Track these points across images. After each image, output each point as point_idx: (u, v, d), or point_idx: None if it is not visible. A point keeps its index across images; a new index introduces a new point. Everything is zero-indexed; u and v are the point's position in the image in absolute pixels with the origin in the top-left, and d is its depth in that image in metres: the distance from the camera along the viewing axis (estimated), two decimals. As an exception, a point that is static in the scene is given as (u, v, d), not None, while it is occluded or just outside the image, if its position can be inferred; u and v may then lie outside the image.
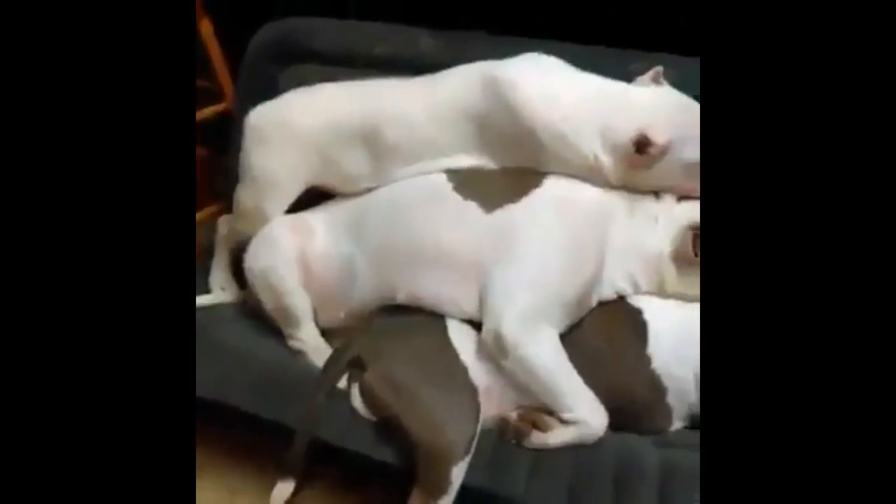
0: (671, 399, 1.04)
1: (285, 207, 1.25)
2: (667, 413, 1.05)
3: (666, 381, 1.03)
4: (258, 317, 1.23)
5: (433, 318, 1.09)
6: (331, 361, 1.10)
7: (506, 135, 1.12)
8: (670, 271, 1.08)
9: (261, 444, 1.13)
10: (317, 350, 1.18)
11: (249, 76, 1.47)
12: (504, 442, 1.01)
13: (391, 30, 1.42)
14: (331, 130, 1.20)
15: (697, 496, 0.92)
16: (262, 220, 1.24)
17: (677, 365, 1.03)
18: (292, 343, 1.20)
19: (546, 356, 1.02)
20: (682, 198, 1.12)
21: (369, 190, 1.21)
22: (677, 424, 1.06)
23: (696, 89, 1.11)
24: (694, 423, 1.07)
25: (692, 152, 1.07)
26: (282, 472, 1.06)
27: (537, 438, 1.00)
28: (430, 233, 1.11)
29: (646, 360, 1.04)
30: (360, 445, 1.03)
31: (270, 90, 1.35)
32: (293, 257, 1.18)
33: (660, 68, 1.13)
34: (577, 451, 0.99)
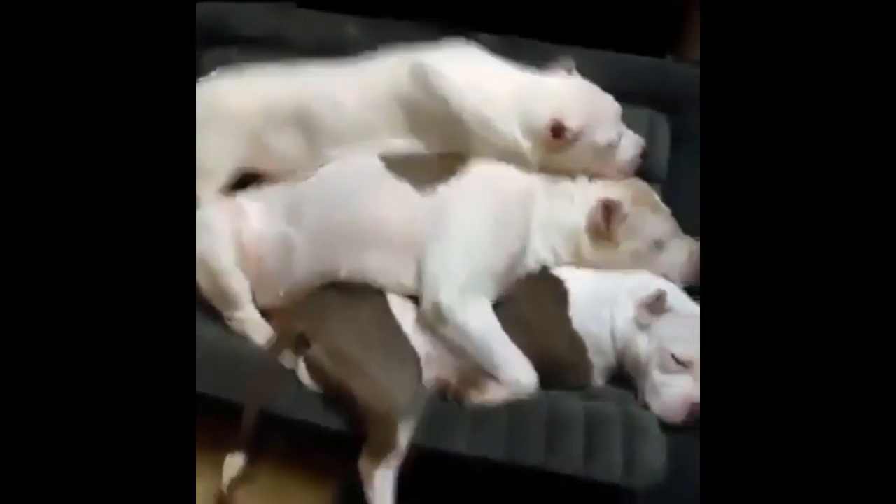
0: (591, 355, 1.15)
1: (217, 191, 1.25)
2: (588, 368, 1.15)
3: (586, 340, 1.14)
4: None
5: (374, 292, 1.14)
6: (275, 338, 1.13)
7: (433, 119, 1.18)
8: (585, 244, 1.19)
9: (209, 422, 1.14)
10: (257, 330, 1.20)
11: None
12: (445, 403, 1.08)
13: (316, 16, 1.44)
14: (263, 114, 1.22)
15: (618, 440, 1.06)
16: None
17: (594, 324, 1.14)
18: (232, 324, 1.21)
19: (480, 323, 1.10)
20: (594, 178, 1.23)
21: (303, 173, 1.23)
22: (598, 381, 1.17)
23: (602, 79, 1.24)
24: (612, 380, 1.18)
25: (602, 136, 1.19)
26: (232, 446, 1.08)
27: (475, 398, 1.07)
28: (369, 212, 1.15)
29: (567, 322, 1.15)
30: (309, 415, 1.08)
31: (193, 71, 1.34)
32: (228, 239, 1.19)
33: (571, 60, 1.24)
34: (512, 407, 1.07)
